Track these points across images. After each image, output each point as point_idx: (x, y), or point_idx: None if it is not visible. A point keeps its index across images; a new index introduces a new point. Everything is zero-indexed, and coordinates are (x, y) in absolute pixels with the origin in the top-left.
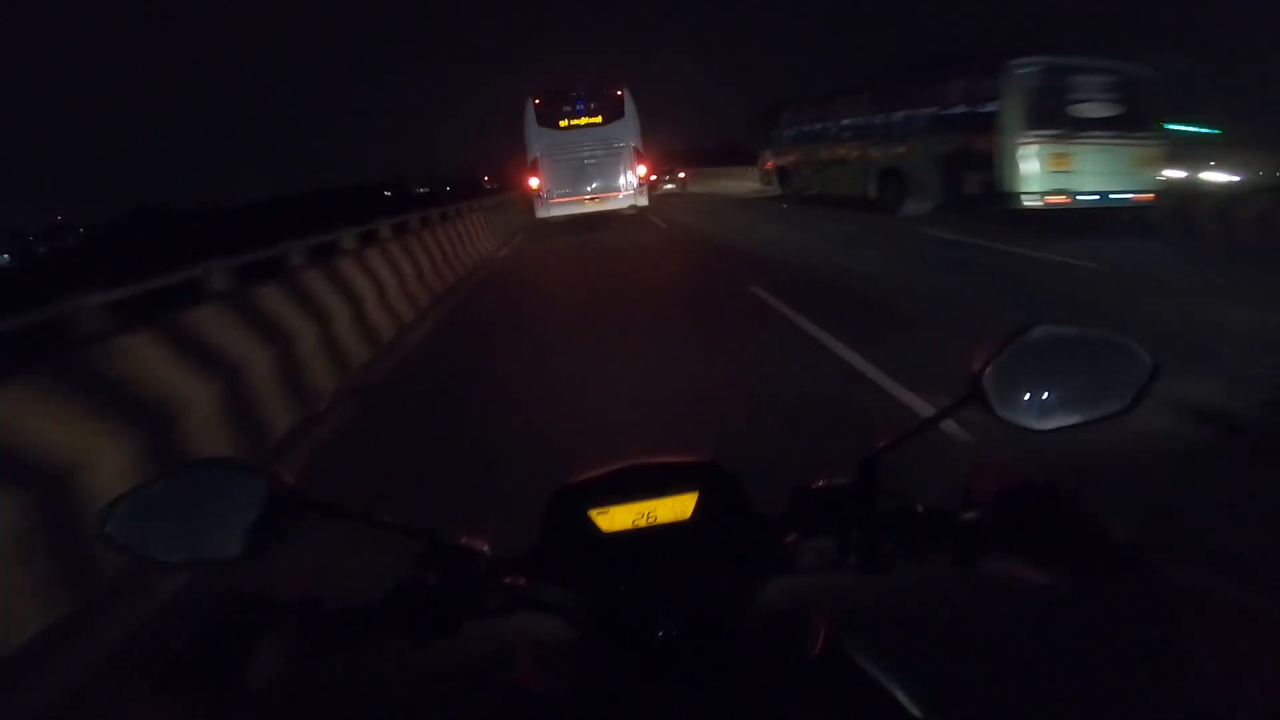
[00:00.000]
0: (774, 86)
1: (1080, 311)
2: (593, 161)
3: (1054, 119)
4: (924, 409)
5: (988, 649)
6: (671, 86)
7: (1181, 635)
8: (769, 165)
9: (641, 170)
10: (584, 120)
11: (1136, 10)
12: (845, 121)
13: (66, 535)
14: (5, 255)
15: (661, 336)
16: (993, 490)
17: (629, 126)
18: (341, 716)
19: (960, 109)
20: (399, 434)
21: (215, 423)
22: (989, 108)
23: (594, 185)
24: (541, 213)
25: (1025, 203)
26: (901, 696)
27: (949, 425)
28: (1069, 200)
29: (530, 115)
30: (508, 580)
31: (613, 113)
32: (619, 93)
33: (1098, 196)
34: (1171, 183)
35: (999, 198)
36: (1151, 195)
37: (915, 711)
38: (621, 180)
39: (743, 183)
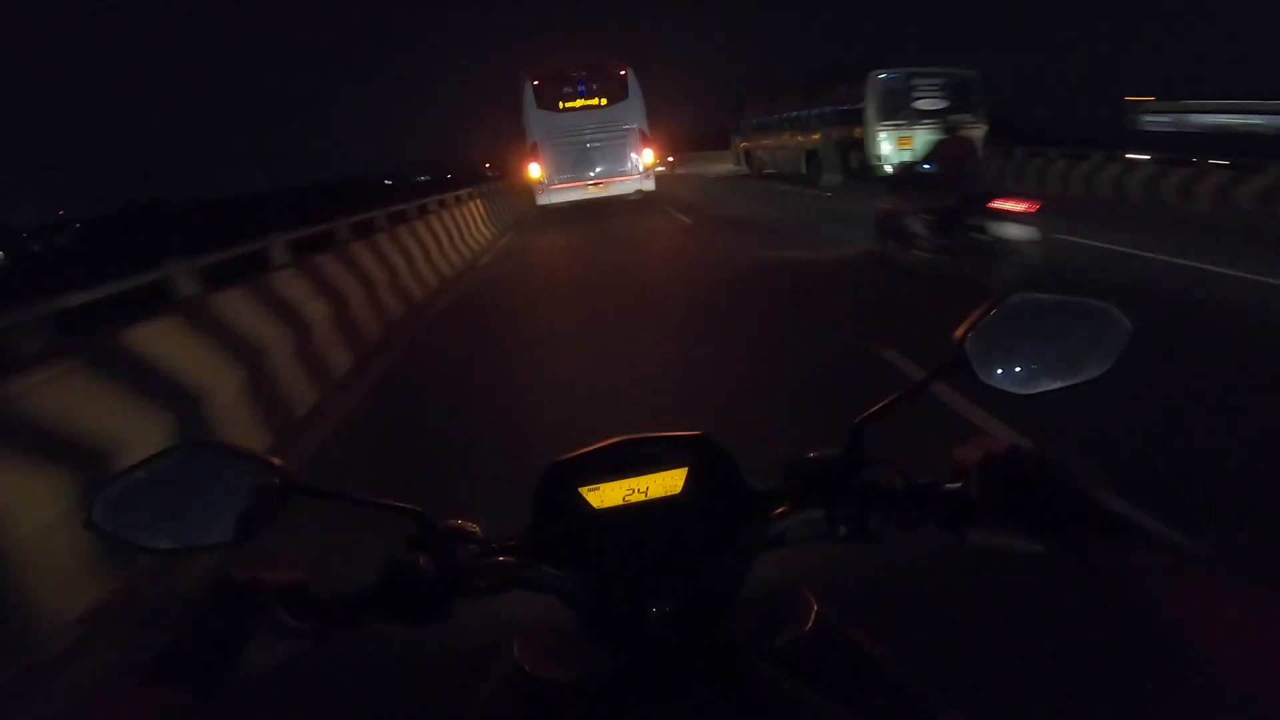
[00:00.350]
0: (754, 75)
1: (829, 213)
2: (596, 145)
3: (900, 112)
4: (767, 256)
5: (978, 618)
6: (661, 75)
7: (1170, 601)
8: (741, 147)
9: (648, 154)
10: (586, 102)
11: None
12: (785, 114)
13: None
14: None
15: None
16: (979, 460)
17: (634, 108)
18: (337, 700)
19: (846, 107)
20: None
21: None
22: (860, 105)
23: (597, 170)
24: (543, 199)
25: (884, 173)
26: (892, 668)
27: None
28: None
29: (529, 97)
30: (500, 559)
31: (616, 94)
32: (622, 73)
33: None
34: None
35: (869, 170)
36: None
37: (906, 682)
38: (627, 164)
39: (721, 165)
